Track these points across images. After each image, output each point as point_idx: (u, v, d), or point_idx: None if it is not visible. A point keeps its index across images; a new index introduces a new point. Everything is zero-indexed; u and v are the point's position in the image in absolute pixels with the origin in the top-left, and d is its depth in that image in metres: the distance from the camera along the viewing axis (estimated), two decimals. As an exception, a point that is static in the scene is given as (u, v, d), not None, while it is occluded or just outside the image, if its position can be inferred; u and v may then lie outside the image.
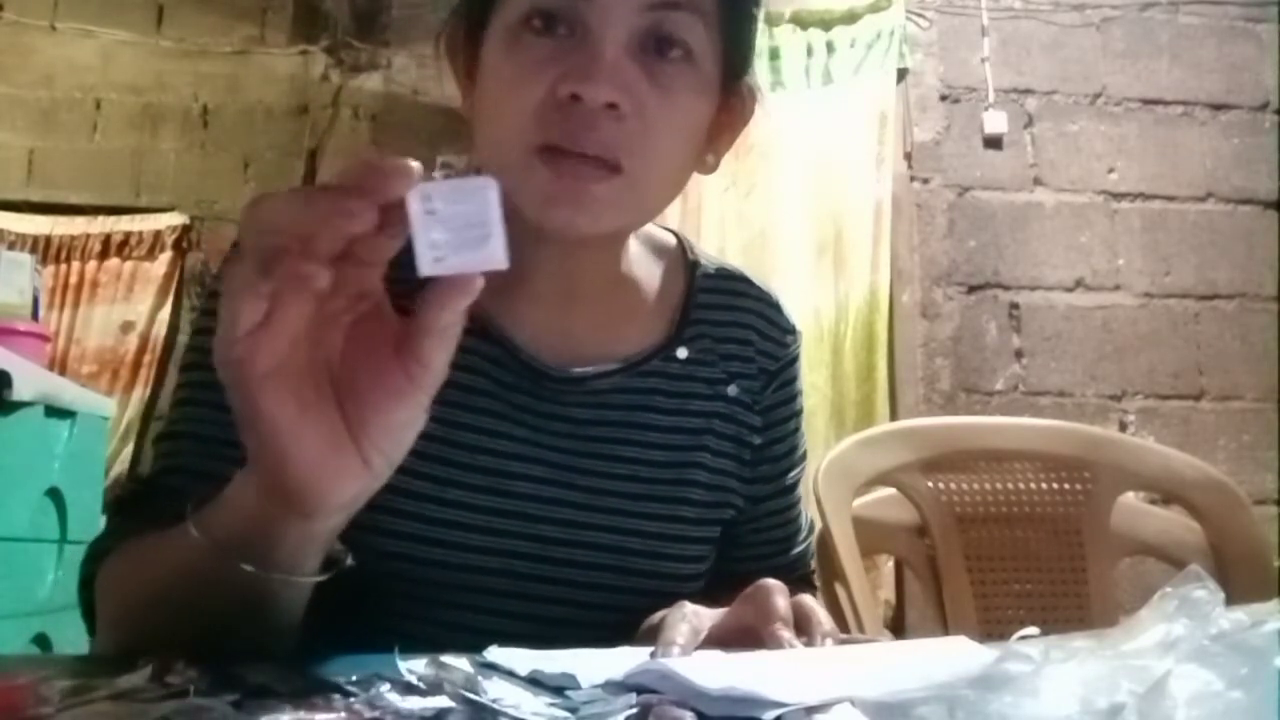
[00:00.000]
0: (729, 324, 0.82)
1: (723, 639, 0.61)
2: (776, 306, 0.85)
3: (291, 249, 0.42)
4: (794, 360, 0.85)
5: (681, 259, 0.84)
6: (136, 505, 0.69)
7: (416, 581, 0.69)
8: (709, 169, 0.76)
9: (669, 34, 0.66)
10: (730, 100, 0.74)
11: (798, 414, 0.86)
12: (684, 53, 0.67)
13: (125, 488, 0.72)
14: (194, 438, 0.69)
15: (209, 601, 0.52)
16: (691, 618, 0.62)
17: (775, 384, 0.83)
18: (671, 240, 0.85)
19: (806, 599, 0.64)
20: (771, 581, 0.63)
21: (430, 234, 0.42)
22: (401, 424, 0.48)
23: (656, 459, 0.76)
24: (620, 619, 0.71)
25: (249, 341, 0.43)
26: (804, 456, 0.87)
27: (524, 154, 0.64)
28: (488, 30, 0.69)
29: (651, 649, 0.58)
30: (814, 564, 0.90)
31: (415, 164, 0.42)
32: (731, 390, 0.80)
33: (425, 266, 0.42)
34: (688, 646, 0.58)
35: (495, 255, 0.43)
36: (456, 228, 0.42)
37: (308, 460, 0.46)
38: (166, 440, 0.71)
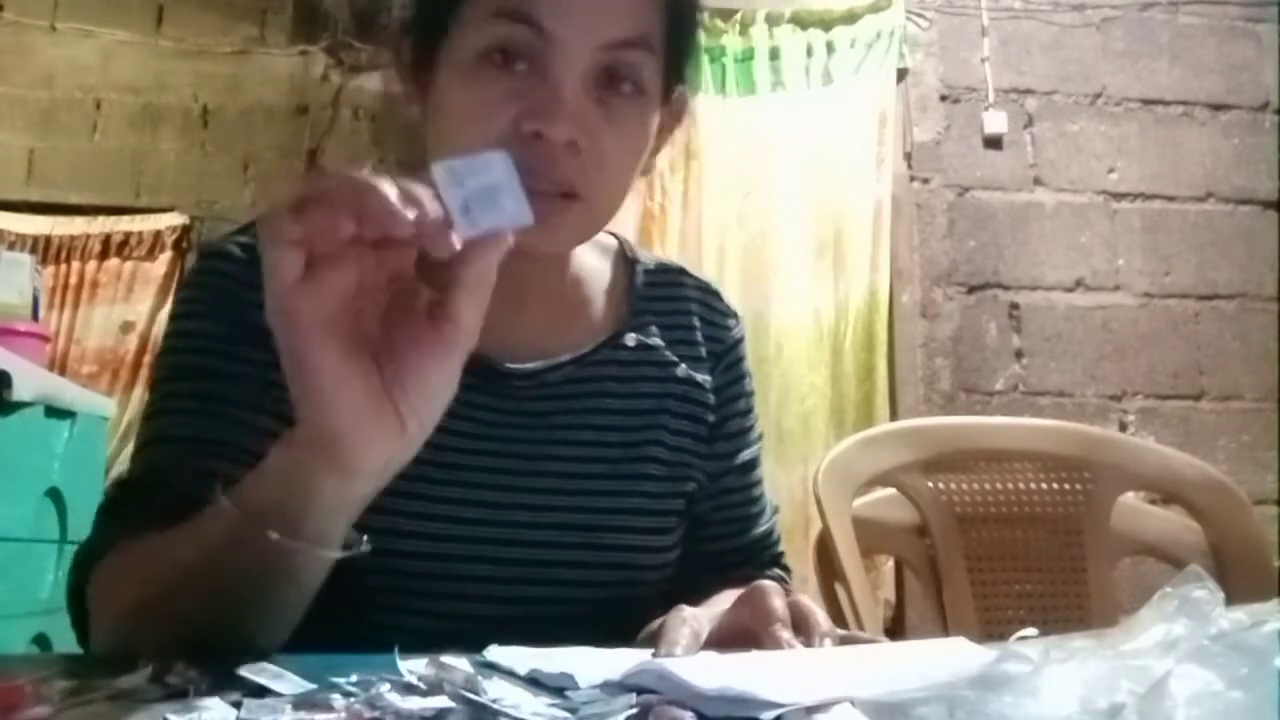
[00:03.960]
0: (672, 312, 0.87)
1: (721, 641, 0.62)
2: (715, 294, 0.91)
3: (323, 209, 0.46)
4: (739, 342, 0.90)
5: (622, 258, 0.89)
6: (124, 510, 0.69)
7: (396, 574, 0.72)
8: (647, 172, 0.81)
9: (622, 71, 0.70)
10: (666, 110, 0.79)
11: (749, 395, 0.90)
12: (635, 86, 0.72)
13: (110, 493, 0.72)
14: (180, 440, 0.71)
15: (228, 582, 0.54)
16: (691, 621, 0.62)
17: (722, 365, 0.88)
18: (613, 242, 0.90)
19: (805, 600, 0.64)
20: (768, 583, 0.64)
21: (461, 203, 0.47)
22: (435, 385, 0.51)
23: (613, 440, 0.80)
24: (600, 595, 0.75)
25: (299, 294, 0.47)
26: (760, 437, 0.90)
27: None
28: (441, 53, 0.72)
29: (652, 652, 0.58)
30: (781, 547, 0.91)
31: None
32: (681, 371, 0.84)
33: (461, 232, 0.47)
34: (689, 650, 0.59)
35: (521, 214, 0.49)
36: (482, 195, 0.47)
37: (348, 412, 0.49)
38: (149, 447, 0.72)
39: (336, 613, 0.62)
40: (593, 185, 0.70)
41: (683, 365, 0.84)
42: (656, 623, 0.66)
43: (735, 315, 0.90)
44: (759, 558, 0.87)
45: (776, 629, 0.59)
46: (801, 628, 0.61)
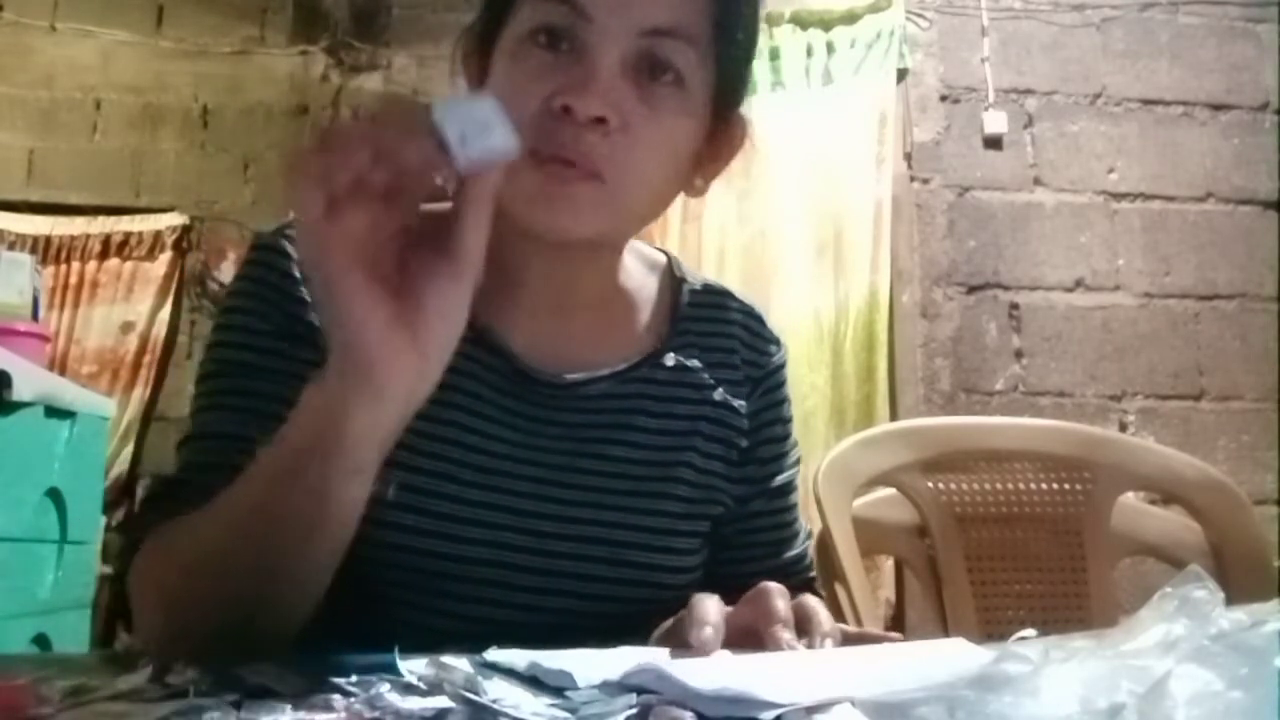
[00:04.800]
0: (714, 335, 0.87)
1: (726, 640, 0.62)
2: (759, 319, 0.90)
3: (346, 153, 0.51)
4: (779, 368, 0.89)
5: (670, 276, 0.88)
6: (165, 502, 0.71)
7: (417, 571, 0.72)
8: (697, 192, 0.82)
9: (662, 61, 0.71)
10: (721, 129, 0.79)
11: (786, 421, 0.89)
12: (675, 77, 0.72)
13: (152, 486, 0.75)
14: (219, 437, 0.73)
15: (267, 538, 0.58)
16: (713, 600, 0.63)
17: (760, 390, 0.87)
18: (662, 259, 0.90)
19: (809, 600, 0.65)
20: (772, 584, 0.64)
21: (458, 137, 0.53)
22: (450, 311, 0.55)
23: (644, 458, 0.80)
24: (617, 609, 0.75)
25: (324, 228, 0.51)
26: (796, 463, 0.90)
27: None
28: (500, 38, 0.74)
29: (666, 648, 0.60)
30: (813, 572, 0.90)
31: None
32: (718, 395, 0.84)
33: (460, 161, 0.53)
34: (719, 628, 0.59)
35: (509, 143, 0.54)
36: (475, 129, 0.54)
37: (376, 338, 0.53)
38: (191, 442, 0.74)
39: (356, 609, 0.64)
40: (618, 169, 0.70)
41: (720, 389, 0.84)
42: (670, 620, 0.66)
43: (778, 341, 0.90)
44: (789, 582, 0.86)
45: (777, 630, 0.60)
46: (804, 628, 0.61)
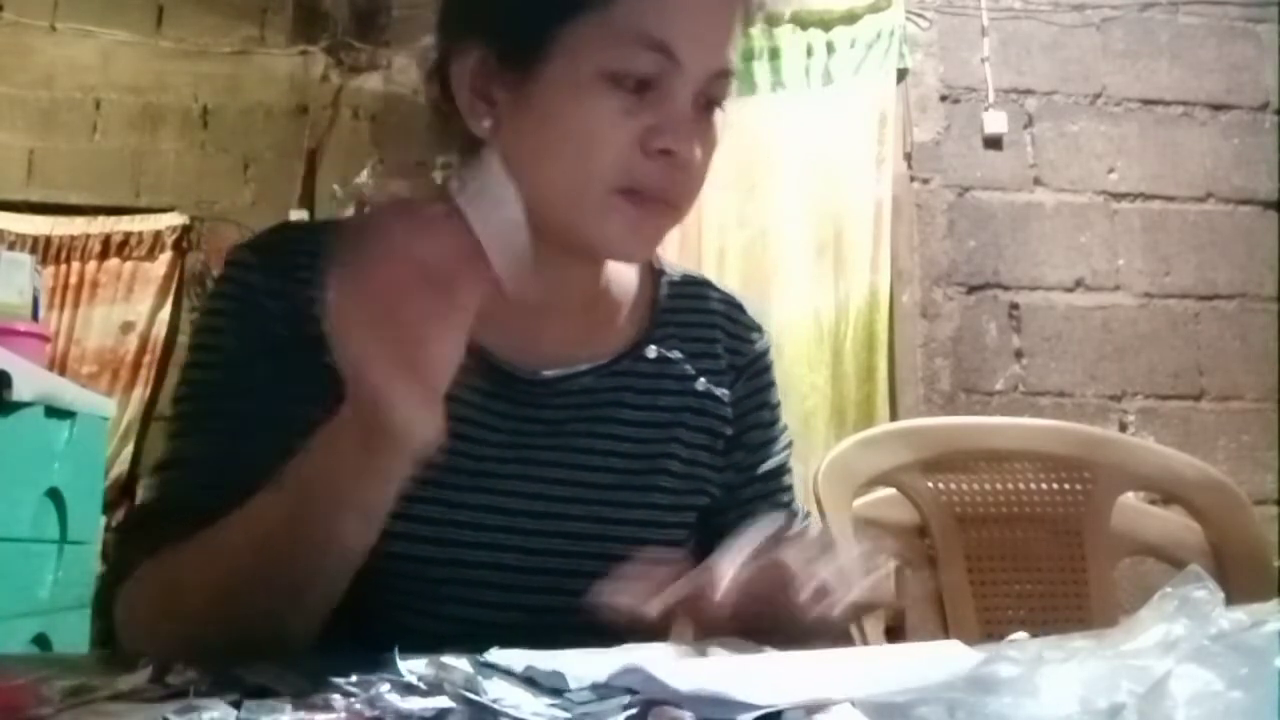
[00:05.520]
0: (695, 325, 0.88)
1: (738, 606, 0.62)
2: (740, 307, 0.91)
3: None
4: (762, 355, 0.90)
5: (649, 268, 0.89)
6: (148, 532, 0.71)
7: (412, 578, 0.73)
8: None
9: (717, 95, 0.75)
10: None
11: (773, 406, 0.90)
12: (718, 106, 0.76)
13: (129, 519, 0.75)
14: (196, 462, 0.73)
15: (277, 566, 0.59)
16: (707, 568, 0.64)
17: (744, 377, 0.88)
18: None
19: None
20: (789, 554, 0.66)
21: (492, 241, 0.56)
22: (452, 349, 0.58)
23: (628, 451, 0.80)
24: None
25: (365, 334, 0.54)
26: (786, 446, 0.91)
27: (604, 194, 0.72)
28: (544, 70, 0.72)
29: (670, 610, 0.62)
30: None
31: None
32: (700, 385, 0.85)
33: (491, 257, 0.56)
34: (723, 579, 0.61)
35: (522, 231, 0.57)
36: (504, 228, 0.57)
37: (397, 398, 0.55)
38: (169, 469, 0.74)
39: (355, 617, 0.65)
40: (686, 197, 0.75)
41: (702, 379, 0.85)
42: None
43: (760, 329, 0.91)
44: None
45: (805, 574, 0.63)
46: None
